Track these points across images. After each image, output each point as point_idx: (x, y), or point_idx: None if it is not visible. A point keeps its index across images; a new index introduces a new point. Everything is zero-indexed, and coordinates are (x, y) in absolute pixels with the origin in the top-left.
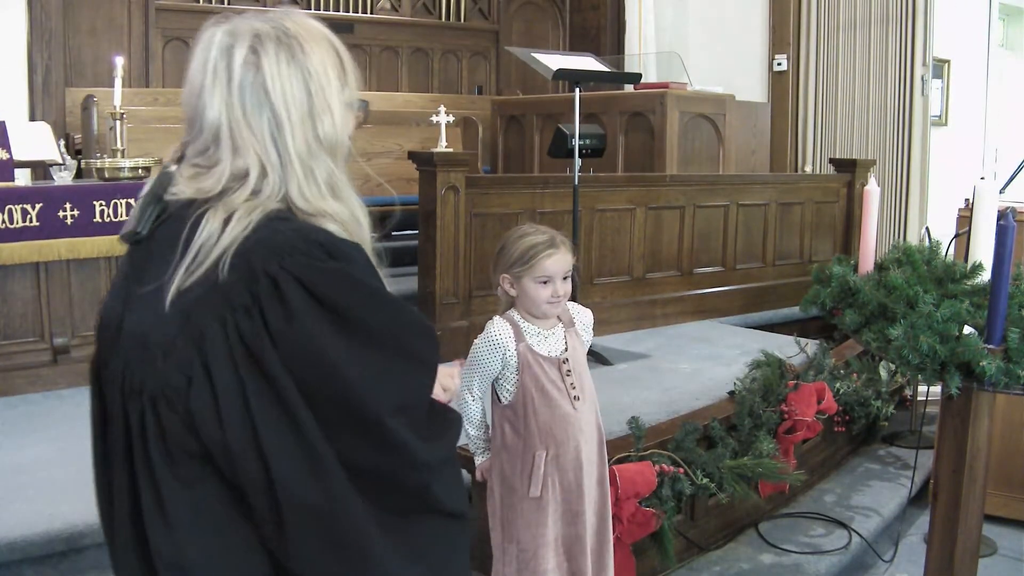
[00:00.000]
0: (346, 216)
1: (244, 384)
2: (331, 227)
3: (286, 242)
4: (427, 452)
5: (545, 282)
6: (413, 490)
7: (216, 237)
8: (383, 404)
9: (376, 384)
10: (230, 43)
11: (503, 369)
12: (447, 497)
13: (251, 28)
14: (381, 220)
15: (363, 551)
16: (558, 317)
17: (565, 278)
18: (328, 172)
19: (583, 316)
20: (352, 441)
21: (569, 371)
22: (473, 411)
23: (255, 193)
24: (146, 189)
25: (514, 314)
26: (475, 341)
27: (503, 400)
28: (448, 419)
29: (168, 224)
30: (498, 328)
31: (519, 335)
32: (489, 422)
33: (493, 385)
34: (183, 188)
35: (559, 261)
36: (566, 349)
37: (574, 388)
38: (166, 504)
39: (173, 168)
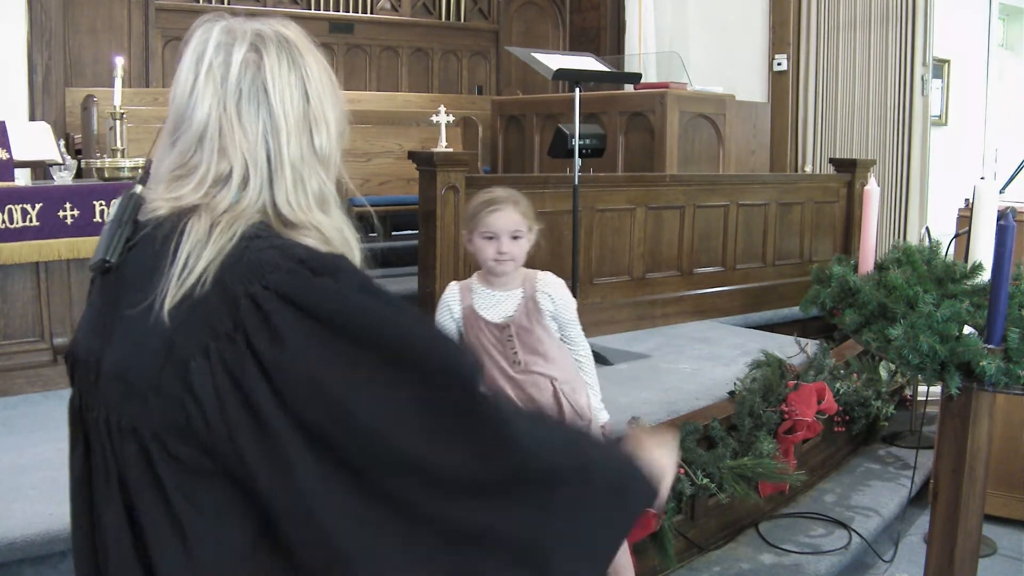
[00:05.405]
0: (331, 230)
1: (230, 421)
2: (309, 242)
3: (265, 260)
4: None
5: (490, 238)
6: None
7: (204, 243)
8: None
9: (372, 391)
10: (229, 41)
11: (457, 329)
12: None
13: (251, 28)
14: (381, 221)
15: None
16: (522, 285)
17: (515, 238)
18: (319, 184)
19: (547, 285)
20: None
21: (511, 336)
22: None
23: (236, 200)
24: (112, 214)
25: (472, 278)
26: None
27: None
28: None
29: (141, 246)
30: (448, 289)
31: (465, 296)
32: None
33: None
34: (158, 204)
35: (503, 218)
36: (514, 315)
37: (516, 354)
38: (182, 521)
39: (138, 189)
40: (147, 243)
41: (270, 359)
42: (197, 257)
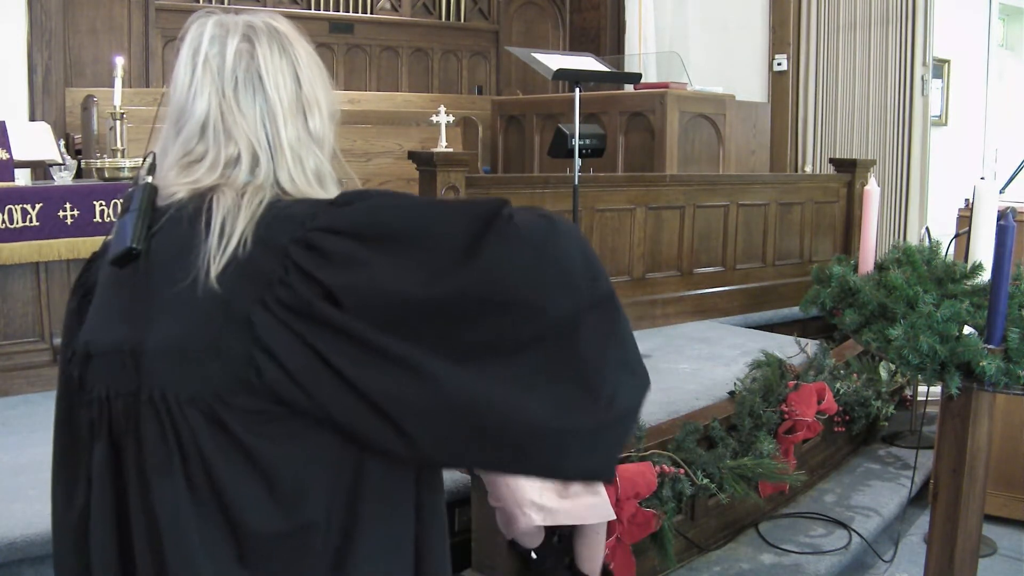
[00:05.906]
0: None
1: (318, 350)
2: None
3: (301, 211)
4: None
5: None
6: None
7: (236, 211)
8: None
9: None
10: (222, 34)
11: None
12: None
13: (243, 20)
14: None
15: (504, 421)
16: None
17: None
18: (316, 163)
19: None
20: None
21: None
22: None
23: (249, 179)
24: (128, 206)
25: None
26: None
27: None
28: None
29: (167, 229)
30: None
31: None
32: None
33: None
34: (175, 188)
35: None
36: None
37: None
38: (266, 470)
39: (149, 179)
40: (173, 225)
41: (332, 282)
42: (233, 223)
